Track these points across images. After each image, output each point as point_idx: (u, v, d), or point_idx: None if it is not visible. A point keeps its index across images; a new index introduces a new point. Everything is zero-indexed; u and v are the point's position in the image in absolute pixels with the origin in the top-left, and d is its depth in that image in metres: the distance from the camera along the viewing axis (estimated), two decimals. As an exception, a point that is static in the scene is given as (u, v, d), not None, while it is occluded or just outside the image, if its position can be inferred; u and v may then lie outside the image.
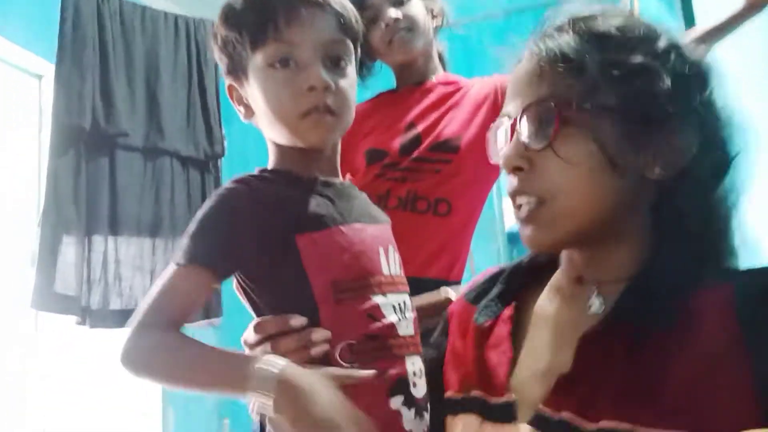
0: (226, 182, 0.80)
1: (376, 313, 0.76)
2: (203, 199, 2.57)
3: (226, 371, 0.71)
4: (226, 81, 0.86)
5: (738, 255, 0.67)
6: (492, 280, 0.80)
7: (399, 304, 0.80)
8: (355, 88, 0.84)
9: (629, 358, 0.62)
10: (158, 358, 0.72)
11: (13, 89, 2.39)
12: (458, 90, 1.34)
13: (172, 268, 0.75)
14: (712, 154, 0.66)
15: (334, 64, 0.80)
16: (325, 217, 0.79)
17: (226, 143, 2.68)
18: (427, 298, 1.04)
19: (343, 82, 0.80)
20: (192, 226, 0.76)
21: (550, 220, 0.66)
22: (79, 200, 2.24)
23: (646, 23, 0.68)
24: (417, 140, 1.28)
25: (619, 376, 0.61)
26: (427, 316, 0.90)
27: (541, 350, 0.71)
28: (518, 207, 0.69)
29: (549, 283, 0.77)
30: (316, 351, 0.73)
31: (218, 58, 0.86)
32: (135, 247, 2.36)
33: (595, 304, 0.68)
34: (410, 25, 1.29)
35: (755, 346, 0.56)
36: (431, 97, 1.33)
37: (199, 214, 0.77)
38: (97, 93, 2.31)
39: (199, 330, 2.59)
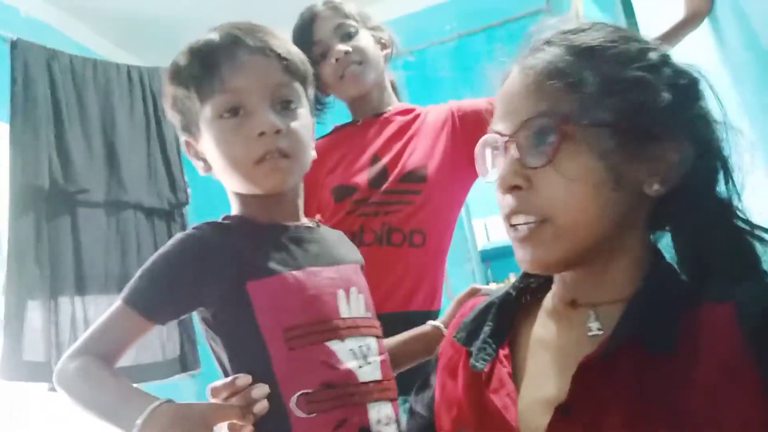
0: (188, 228, 0.83)
1: (331, 359, 0.75)
2: (171, 248, 2.52)
3: (120, 405, 0.72)
4: (182, 138, 0.86)
5: (740, 269, 0.65)
6: (482, 316, 0.77)
7: (359, 348, 0.77)
8: (309, 129, 0.84)
9: (635, 384, 0.60)
10: (75, 382, 0.75)
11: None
12: (416, 118, 1.34)
13: (113, 306, 0.79)
14: (708, 167, 0.65)
15: (284, 108, 0.80)
16: (276, 263, 0.78)
17: (189, 190, 2.65)
18: (413, 333, 1.00)
19: (294, 124, 0.80)
20: (144, 266, 0.80)
21: (551, 239, 0.64)
22: (42, 262, 2.17)
23: (635, 35, 0.67)
24: (384, 173, 1.27)
25: (625, 403, 0.59)
26: (424, 351, 0.88)
27: (539, 379, 0.68)
28: (514, 227, 0.66)
29: (542, 308, 0.74)
30: (258, 408, 0.71)
31: (171, 116, 0.86)
32: (104, 305, 2.28)
33: (593, 328, 0.66)
34: (360, 58, 1.29)
35: (764, 362, 0.55)
36: (391, 128, 1.32)
37: (154, 255, 0.80)
38: (53, 151, 2.26)
39: (179, 381, 2.52)
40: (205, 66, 0.79)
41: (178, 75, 0.82)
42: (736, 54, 1.12)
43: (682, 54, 1.25)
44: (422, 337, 0.95)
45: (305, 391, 0.73)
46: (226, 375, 0.78)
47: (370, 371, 0.77)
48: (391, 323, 0.80)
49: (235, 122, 0.78)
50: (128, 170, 2.46)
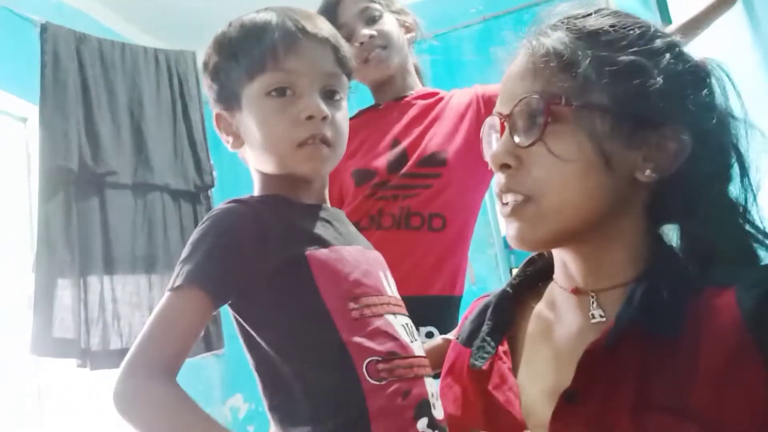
0: (219, 205, 0.78)
1: (391, 330, 0.74)
2: (196, 230, 2.55)
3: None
4: (215, 109, 0.85)
5: (745, 254, 0.65)
6: (481, 316, 0.78)
7: (407, 325, 0.78)
8: (347, 123, 0.84)
9: (640, 369, 0.60)
10: (147, 415, 0.67)
11: (-1, 133, 2.39)
12: (438, 102, 1.34)
13: (165, 298, 0.71)
14: (713, 160, 0.64)
15: (329, 97, 0.81)
16: (329, 236, 0.78)
17: (215, 173, 2.67)
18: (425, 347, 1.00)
19: (338, 115, 0.81)
20: (186, 250, 0.73)
21: (535, 216, 0.65)
22: (72, 242, 2.22)
23: (644, 22, 0.67)
24: (403, 156, 1.27)
25: (631, 389, 0.59)
26: (436, 365, 0.85)
27: (542, 370, 0.69)
28: (504, 204, 0.68)
29: (543, 298, 0.75)
30: None
31: (207, 86, 0.85)
32: (131, 285, 2.34)
33: (596, 315, 0.67)
34: (385, 42, 1.29)
35: (765, 345, 0.55)
36: (412, 112, 1.32)
37: (194, 236, 0.74)
38: (83, 133, 2.30)
39: (204, 360, 2.57)
40: (261, 42, 0.78)
41: (227, 46, 0.81)
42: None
43: (714, 36, 1.23)
44: (434, 351, 0.88)
45: (375, 357, 0.71)
46: (261, 354, 0.75)
47: (418, 347, 0.77)
48: (409, 307, 0.81)
49: (282, 102, 0.78)
50: (155, 153, 2.50)
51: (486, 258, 2.70)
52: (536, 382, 0.68)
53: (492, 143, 0.72)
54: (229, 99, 0.82)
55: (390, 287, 0.80)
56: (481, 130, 0.74)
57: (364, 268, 0.77)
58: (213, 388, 3.13)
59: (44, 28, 2.29)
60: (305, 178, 0.82)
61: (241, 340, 0.78)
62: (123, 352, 2.39)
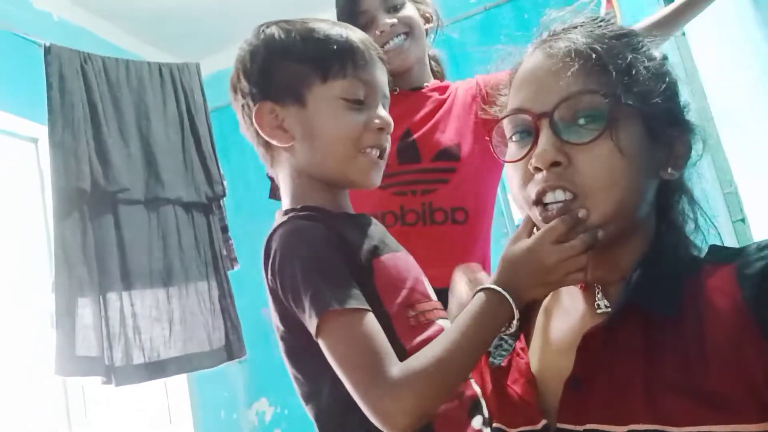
0: (283, 227, 0.75)
1: None
2: (211, 241, 2.57)
3: (481, 325, 0.66)
4: (255, 100, 0.82)
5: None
6: None
7: None
8: None
9: (645, 351, 0.61)
10: (424, 382, 0.64)
11: (10, 155, 2.42)
12: (449, 96, 1.33)
13: (330, 324, 0.66)
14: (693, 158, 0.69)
15: None
16: (383, 244, 0.78)
17: (226, 183, 2.68)
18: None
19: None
20: (304, 275, 0.69)
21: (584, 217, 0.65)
22: (89, 260, 2.24)
23: (639, 32, 0.71)
24: (413, 149, 1.27)
25: (639, 371, 0.60)
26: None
27: (556, 362, 0.69)
28: (545, 207, 0.66)
29: (552, 294, 0.76)
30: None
31: (254, 79, 0.83)
32: (150, 299, 2.36)
33: (601, 305, 0.68)
34: (406, 30, 1.29)
35: (762, 317, 0.56)
36: (428, 105, 1.32)
37: (298, 259, 0.70)
38: (93, 152, 2.32)
39: (227, 368, 2.58)
40: (342, 49, 0.80)
41: (293, 49, 0.81)
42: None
43: (717, 13, 1.21)
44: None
45: None
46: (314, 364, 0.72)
47: None
48: (441, 301, 0.81)
49: (357, 108, 0.80)
50: (165, 167, 2.51)
51: (500, 247, 2.67)
52: (551, 375, 0.69)
53: (516, 143, 0.71)
54: (283, 94, 0.81)
55: (432, 291, 0.81)
56: (494, 130, 0.74)
57: (415, 275, 0.79)
58: (238, 394, 3.15)
59: (47, 50, 2.30)
60: (351, 185, 0.83)
61: (285, 352, 0.76)
62: (146, 366, 2.44)
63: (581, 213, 0.64)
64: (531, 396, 0.68)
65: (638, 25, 1.29)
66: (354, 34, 0.83)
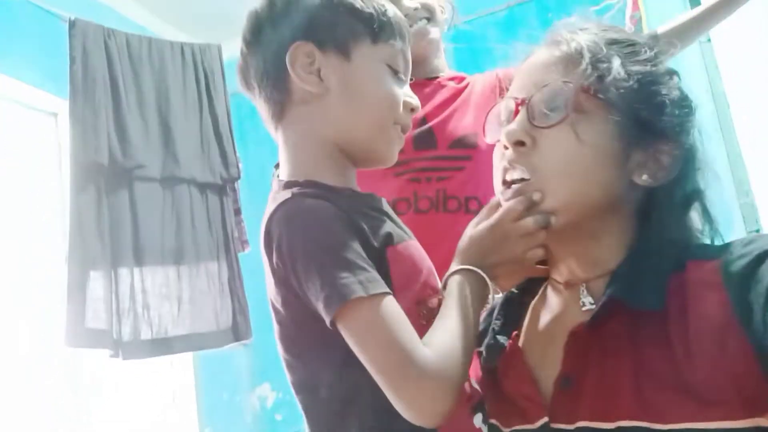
0: (287, 206, 0.69)
1: None
2: (223, 223, 2.58)
3: (470, 300, 0.68)
4: (298, 44, 0.75)
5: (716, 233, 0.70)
6: (488, 318, 0.80)
7: None
8: None
9: (632, 347, 0.62)
10: (453, 360, 0.63)
11: (29, 128, 2.44)
12: (466, 86, 1.34)
13: (353, 308, 0.62)
14: (691, 177, 0.70)
15: None
16: (396, 231, 0.74)
17: (241, 165, 2.70)
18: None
19: None
20: (319, 260, 0.64)
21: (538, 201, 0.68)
22: (103, 235, 2.26)
23: (652, 43, 0.72)
24: (430, 136, 1.27)
25: (627, 367, 0.61)
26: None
27: (543, 362, 0.70)
28: (507, 185, 0.70)
29: (540, 293, 0.78)
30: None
31: (295, 18, 0.76)
32: (160, 276, 2.38)
33: (586, 303, 0.69)
34: (428, 14, 1.29)
35: (745, 312, 0.57)
36: (444, 94, 1.32)
37: (310, 246, 0.66)
38: (112, 128, 2.34)
39: (233, 351, 2.60)
40: (390, 20, 0.78)
41: (347, 5, 0.76)
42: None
43: (743, 20, 1.20)
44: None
45: None
46: (320, 361, 0.70)
47: None
48: None
49: (397, 79, 0.79)
50: (182, 146, 2.52)
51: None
52: (541, 373, 0.70)
53: (500, 122, 0.75)
54: (329, 41, 0.75)
55: (440, 284, 0.76)
56: (488, 114, 0.78)
57: (428, 266, 0.76)
58: (241, 377, 3.18)
59: (72, 24, 2.32)
60: (372, 156, 0.79)
61: (281, 336, 0.73)
62: (153, 342, 2.47)
63: (535, 195, 0.68)
64: (534, 394, 0.69)
65: (662, 28, 1.28)
66: (399, 12, 0.81)
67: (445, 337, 0.65)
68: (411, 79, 1.28)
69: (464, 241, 0.73)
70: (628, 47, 0.70)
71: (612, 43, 0.70)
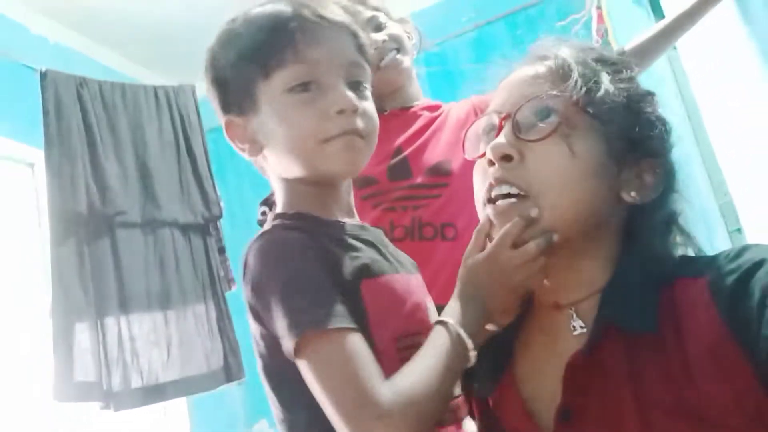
0: (265, 235, 0.69)
1: None
2: (208, 263, 2.56)
3: (449, 356, 0.64)
4: (223, 118, 0.77)
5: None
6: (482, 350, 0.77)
7: None
8: (376, 113, 0.77)
9: (630, 373, 0.60)
10: (415, 405, 0.59)
11: (6, 180, 2.41)
12: (441, 114, 1.35)
13: (290, 347, 0.61)
14: (671, 195, 0.70)
15: (355, 89, 0.74)
16: (379, 263, 0.71)
17: (222, 203, 2.68)
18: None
19: (368, 106, 0.75)
20: (282, 293, 0.63)
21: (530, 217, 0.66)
22: (87, 285, 2.22)
23: (633, 64, 0.73)
24: (405, 165, 1.27)
25: (627, 394, 0.59)
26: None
27: (542, 388, 0.68)
28: (493, 202, 0.68)
29: (528, 317, 0.75)
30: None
31: (212, 92, 0.77)
32: (148, 322, 2.34)
33: (576, 327, 0.67)
34: (397, 45, 1.31)
35: (740, 329, 0.56)
36: (419, 123, 1.33)
37: (279, 275, 0.64)
38: (90, 175, 2.32)
39: (226, 391, 2.56)
40: (277, 34, 0.71)
41: (237, 42, 0.73)
42: (762, 26, 1.09)
43: (706, 27, 1.23)
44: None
45: None
46: (293, 395, 0.68)
47: (457, 387, 0.71)
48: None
49: (308, 96, 0.70)
50: (161, 189, 2.51)
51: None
52: (539, 403, 0.68)
53: (483, 141, 0.73)
54: (241, 102, 0.74)
55: (432, 317, 0.73)
56: (468, 131, 0.76)
57: (414, 301, 0.71)
58: (237, 416, 3.12)
59: (44, 76, 2.31)
60: (334, 181, 0.75)
61: (262, 370, 0.72)
62: (144, 390, 2.41)
63: (533, 212, 0.65)
64: (530, 428, 0.66)
65: (630, 45, 1.31)
66: (291, 7, 0.73)
67: (411, 379, 0.60)
68: (384, 111, 1.29)
69: (462, 273, 0.71)
70: (612, 65, 0.69)
71: (598, 60, 0.69)
